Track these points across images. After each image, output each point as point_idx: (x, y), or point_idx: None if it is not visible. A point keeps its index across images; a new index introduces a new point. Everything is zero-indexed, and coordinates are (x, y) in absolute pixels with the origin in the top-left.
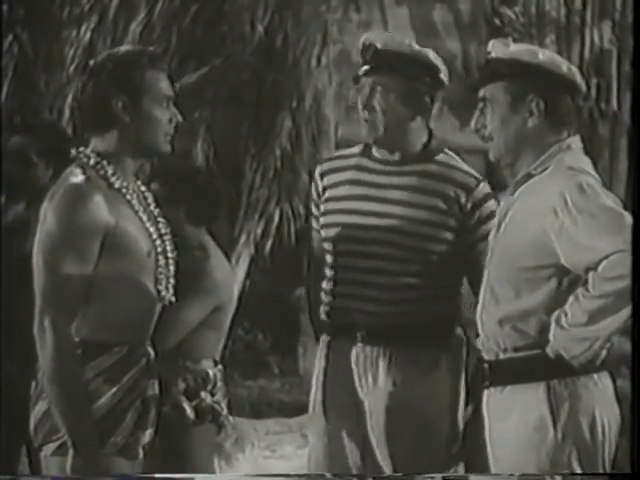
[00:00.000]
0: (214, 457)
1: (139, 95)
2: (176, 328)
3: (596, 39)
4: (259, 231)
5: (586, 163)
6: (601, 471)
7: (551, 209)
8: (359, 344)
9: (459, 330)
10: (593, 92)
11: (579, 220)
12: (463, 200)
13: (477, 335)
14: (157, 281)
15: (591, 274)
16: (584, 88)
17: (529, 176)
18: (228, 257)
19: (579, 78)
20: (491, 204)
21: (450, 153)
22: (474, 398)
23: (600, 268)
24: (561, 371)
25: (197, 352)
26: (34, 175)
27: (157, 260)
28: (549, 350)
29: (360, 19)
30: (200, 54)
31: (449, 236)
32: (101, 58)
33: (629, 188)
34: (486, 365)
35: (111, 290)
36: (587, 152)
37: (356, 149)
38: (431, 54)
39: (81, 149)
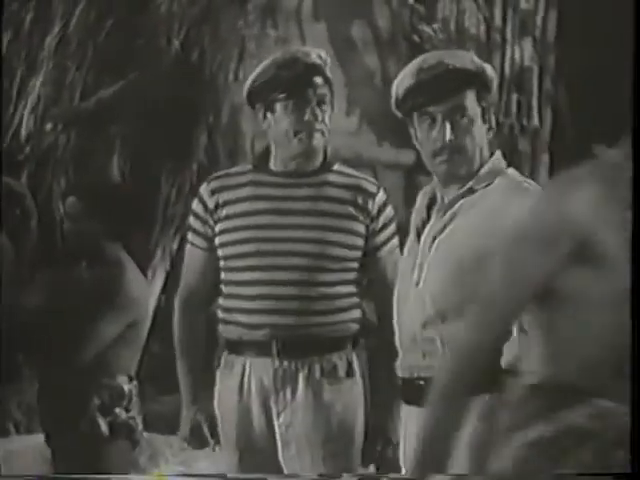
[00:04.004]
0: (129, 473)
1: None
2: (92, 343)
3: (517, 56)
4: (175, 246)
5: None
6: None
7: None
8: (276, 359)
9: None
10: (514, 108)
11: None
12: (370, 206)
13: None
14: None
15: None
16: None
17: (472, 191)
18: (144, 272)
19: (490, 71)
20: (389, 210)
21: (342, 164)
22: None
23: None
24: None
25: (112, 367)
26: None
27: None
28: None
29: (277, 35)
30: (116, 68)
31: (359, 242)
32: None
33: None
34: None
35: None
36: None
37: (246, 166)
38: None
39: None
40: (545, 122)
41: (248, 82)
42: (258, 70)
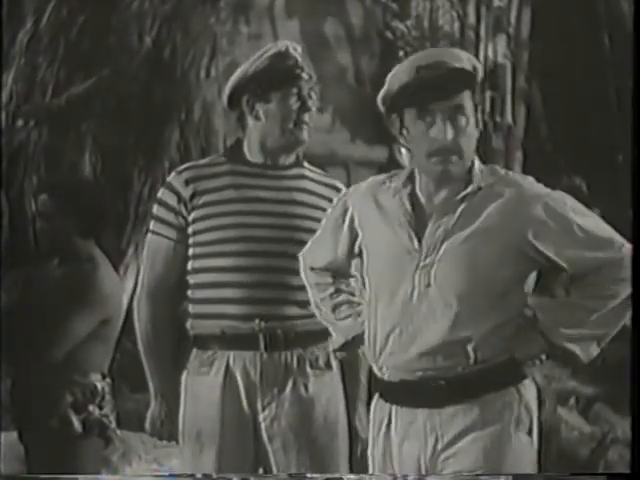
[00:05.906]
0: (101, 470)
1: None
2: (64, 340)
3: (490, 53)
4: None
5: None
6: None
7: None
8: (264, 352)
9: None
10: (487, 106)
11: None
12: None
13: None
14: None
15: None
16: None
17: (479, 189)
18: (116, 269)
19: (481, 70)
20: None
21: (309, 163)
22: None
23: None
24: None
25: (85, 365)
26: None
27: None
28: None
29: (250, 32)
30: (87, 65)
31: None
32: None
33: None
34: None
35: None
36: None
37: (218, 158)
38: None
39: None
40: (519, 119)
41: (237, 74)
42: (250, 61)
